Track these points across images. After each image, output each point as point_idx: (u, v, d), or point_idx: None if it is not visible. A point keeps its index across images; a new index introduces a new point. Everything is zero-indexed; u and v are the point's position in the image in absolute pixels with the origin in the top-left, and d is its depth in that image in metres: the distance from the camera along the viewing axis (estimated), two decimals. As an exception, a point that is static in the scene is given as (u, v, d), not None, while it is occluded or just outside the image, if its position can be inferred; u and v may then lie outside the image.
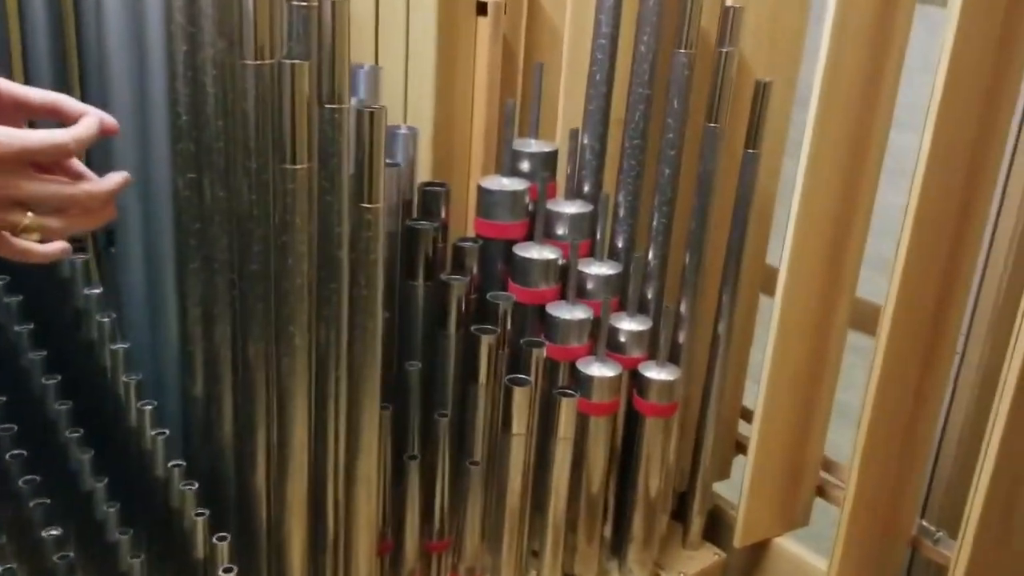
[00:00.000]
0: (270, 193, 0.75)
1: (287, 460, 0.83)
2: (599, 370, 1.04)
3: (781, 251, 1.06)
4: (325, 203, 0.76)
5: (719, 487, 1.29)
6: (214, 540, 0.84)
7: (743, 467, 1.18)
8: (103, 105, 0.94)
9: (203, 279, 0.84)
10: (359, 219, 0.77)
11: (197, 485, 0.86)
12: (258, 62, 0.73)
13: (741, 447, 1.29)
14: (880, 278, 1.21)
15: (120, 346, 0.91)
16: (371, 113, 0.73)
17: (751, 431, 1.15)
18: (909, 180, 0.96)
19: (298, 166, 0.72)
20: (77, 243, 1.04)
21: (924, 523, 1.15)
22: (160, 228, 0.90)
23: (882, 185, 1.08)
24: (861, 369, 1.22)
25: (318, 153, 0.75)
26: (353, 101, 0.88)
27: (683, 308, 1.10)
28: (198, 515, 0.84)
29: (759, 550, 1.24)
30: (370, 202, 0.76)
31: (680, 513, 1.24)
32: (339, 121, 0.74)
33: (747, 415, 1.28)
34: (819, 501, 1.24)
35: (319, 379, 0.83)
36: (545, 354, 1.01)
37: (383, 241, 0.78)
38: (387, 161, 0.98)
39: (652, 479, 1.11)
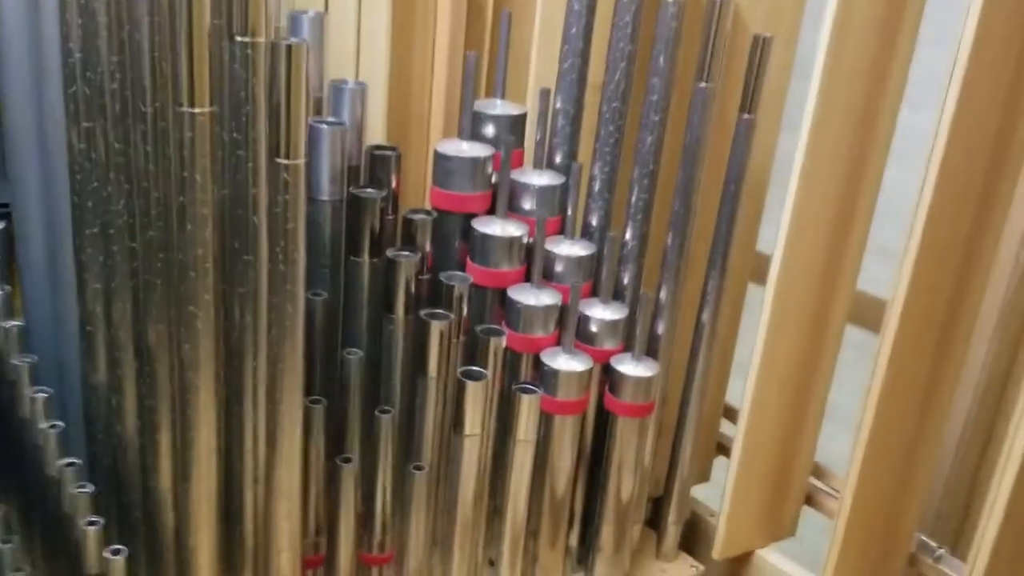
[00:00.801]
0: (169, 144, 0.63)
1: (191, 463, 0.71)
2: (566, 363, 0.94)
3: (773, 236, 0.96)
4: (237, 158, 0.64)
5: (697, 492, 1.19)
6: (107, 554, 0.72)
7: (724, 470, 1.09)
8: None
9: (102, 248, 0.73)
10: (276, 179, 0.64)
11: (93, 488, 0.74)
12: (153, -16, 0.61)
13: (723, 448, 1.20)
14: (877, 267, 1.12)
15: (14, 323, 0.80)
16: (289, 47, 0.61)
17: (736, 432, 1.05)
18: (910, 159, 0.85)
19: (197, 110, 0.60)
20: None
21: (924, 538, 1.07)
22: (59, 189, 0.79)
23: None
24: (854, 367, 1.13)
25: (229, 98, 0.63)
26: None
27: (663, 295, 1.01)
28: (90, 524, 0.73)
29: (740, 562, 1.15)
30: (288, 158, 0.64)
31: (654, 520, 1.15)
32: (253, 59, 0.61)
33: (731, 414, 1.19)
34: (804, 508, 1.15)
35: (233, 369, 0.71)
36: (505, 344, 0.92)
37: (303, 206, 0.66)
38: (330, 119, 0.88)
39: (624, 485, 1.02)
